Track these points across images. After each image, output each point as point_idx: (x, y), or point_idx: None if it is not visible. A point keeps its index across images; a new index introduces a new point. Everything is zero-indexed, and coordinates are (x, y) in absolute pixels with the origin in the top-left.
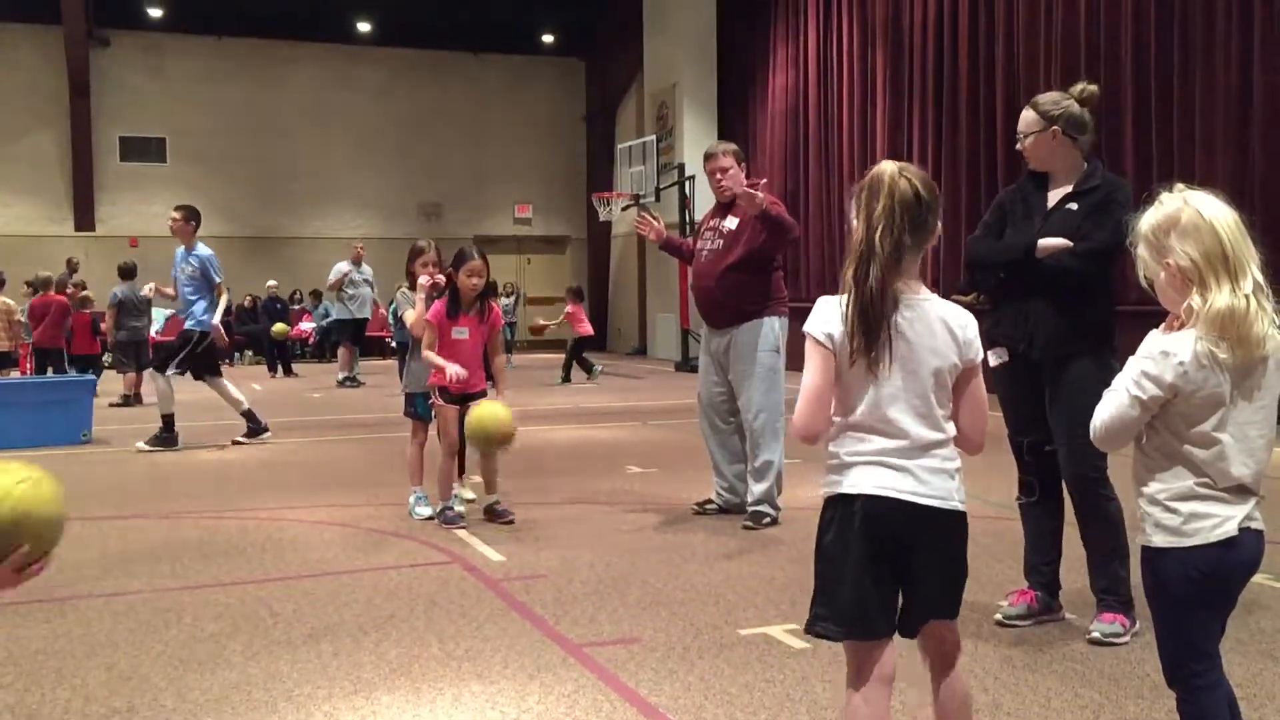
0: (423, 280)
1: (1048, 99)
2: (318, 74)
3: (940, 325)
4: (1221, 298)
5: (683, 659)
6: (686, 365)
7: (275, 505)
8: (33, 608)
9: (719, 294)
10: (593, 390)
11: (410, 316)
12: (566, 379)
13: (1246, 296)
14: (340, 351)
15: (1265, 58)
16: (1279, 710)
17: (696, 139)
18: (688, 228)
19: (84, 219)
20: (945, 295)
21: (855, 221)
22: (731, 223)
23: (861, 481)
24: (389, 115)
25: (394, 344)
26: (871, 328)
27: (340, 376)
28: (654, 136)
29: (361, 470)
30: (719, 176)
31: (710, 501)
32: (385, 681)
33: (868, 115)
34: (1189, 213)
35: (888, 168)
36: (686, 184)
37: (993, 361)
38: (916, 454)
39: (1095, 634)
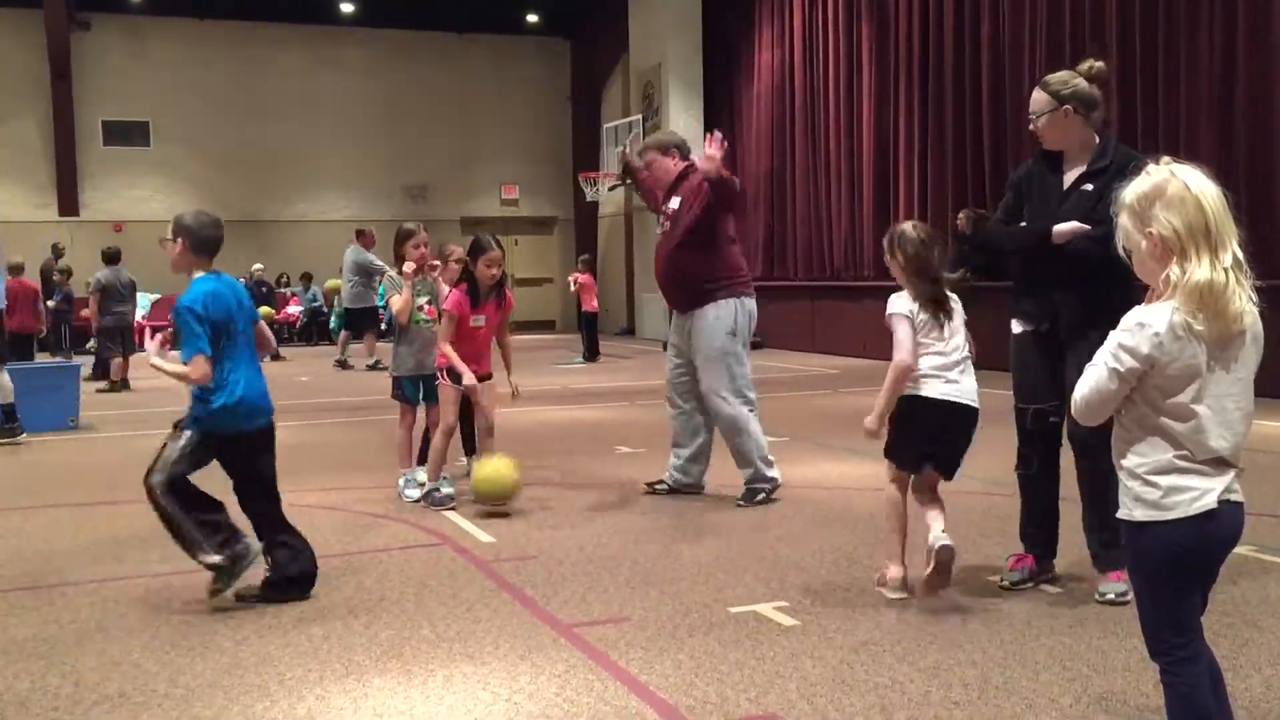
0: (408, 267)
1: (1057, 79)
2: (301, 56)
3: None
4: (1201, 270)
5: (673, 637)
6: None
7: None
8: (22, 595)
9: (672, 274)
10: (582, 371)
11: (397, 302)
12: (594, 356)
13: (1226, 270)
14: (367, 338)
15: (1249, 34)
16: (1265, 681)
17: (683, 118)
18: None
19: (68, 204)
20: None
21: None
22: (674, 203)
23: (930, 390)
24: (373, 97)
25: (384, 326)
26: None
27: (373, 360)
28: (640, 116)
29: (351, 454)
30: (643, 177)
31: (661, 482)
32: (376, 664)
33: (853, 93)
34: (1176, 184)
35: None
36: None
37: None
38: (959, 367)
39: (1109, 595)
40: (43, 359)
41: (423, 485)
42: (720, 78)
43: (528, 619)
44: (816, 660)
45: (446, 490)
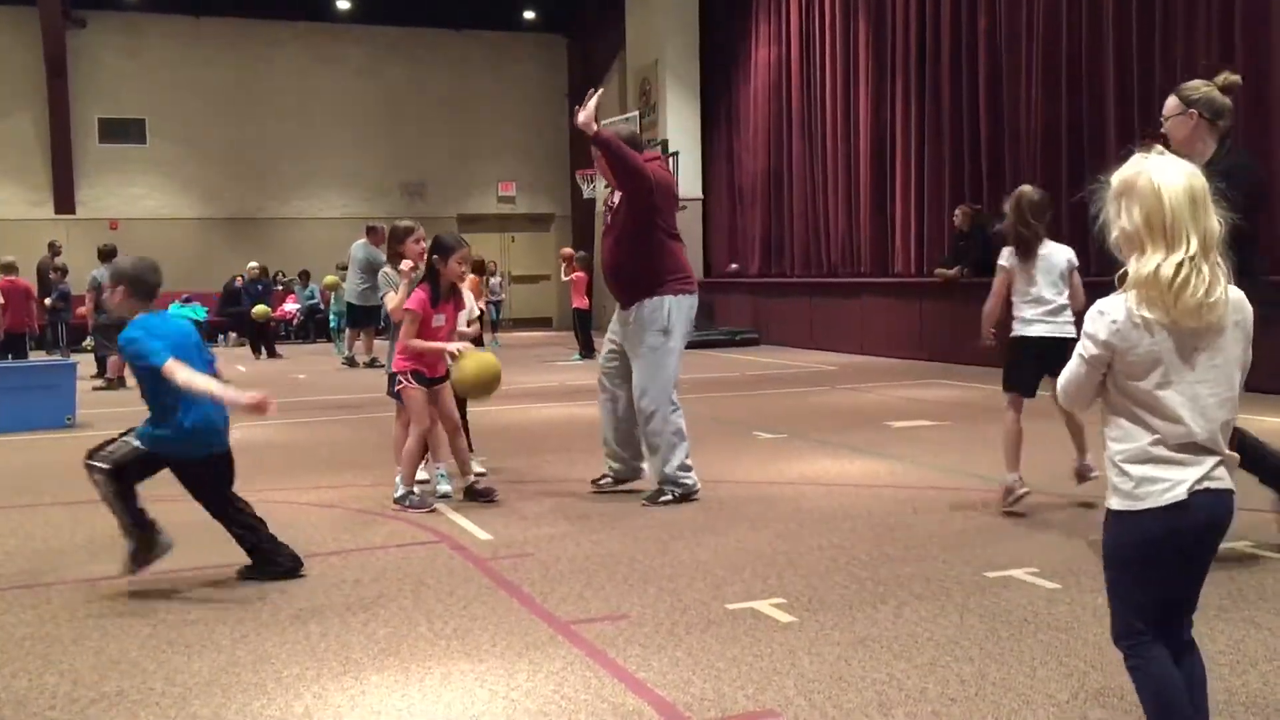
0: (405, 265)
1: (1189, 85)
2: (298, 53)
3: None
4: (1149, 263)
5: (670, 634)
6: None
7: (262, 487)
8: (19, 593)
9: (613, 268)
10: (578, 368)
11: (392, 300)
12: (590, 353)
13: (1179, 264)
14: (365, 335)
15: (1245, 30)
16: (1262, 675)
17: (680, 115)
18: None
19: (64, 202)
20: (929, 269)
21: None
22: (617, 196)
23: (1030, 330)
24: (371, 94)
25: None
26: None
27: (370, 358)
28: (637, 113)
29: (348, 451)
30: (595, 166)
31: (604, 476)
32: (374, 661)
33: (850, 90)
34: (1143, 178)
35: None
36: (670, 160)
37: None
38: (1055, 313)
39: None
40: (39, 357)
41: (444, 475)
42: (717, 75)
43: (525, 616)
44: (814, 657)
45: (444, 487)
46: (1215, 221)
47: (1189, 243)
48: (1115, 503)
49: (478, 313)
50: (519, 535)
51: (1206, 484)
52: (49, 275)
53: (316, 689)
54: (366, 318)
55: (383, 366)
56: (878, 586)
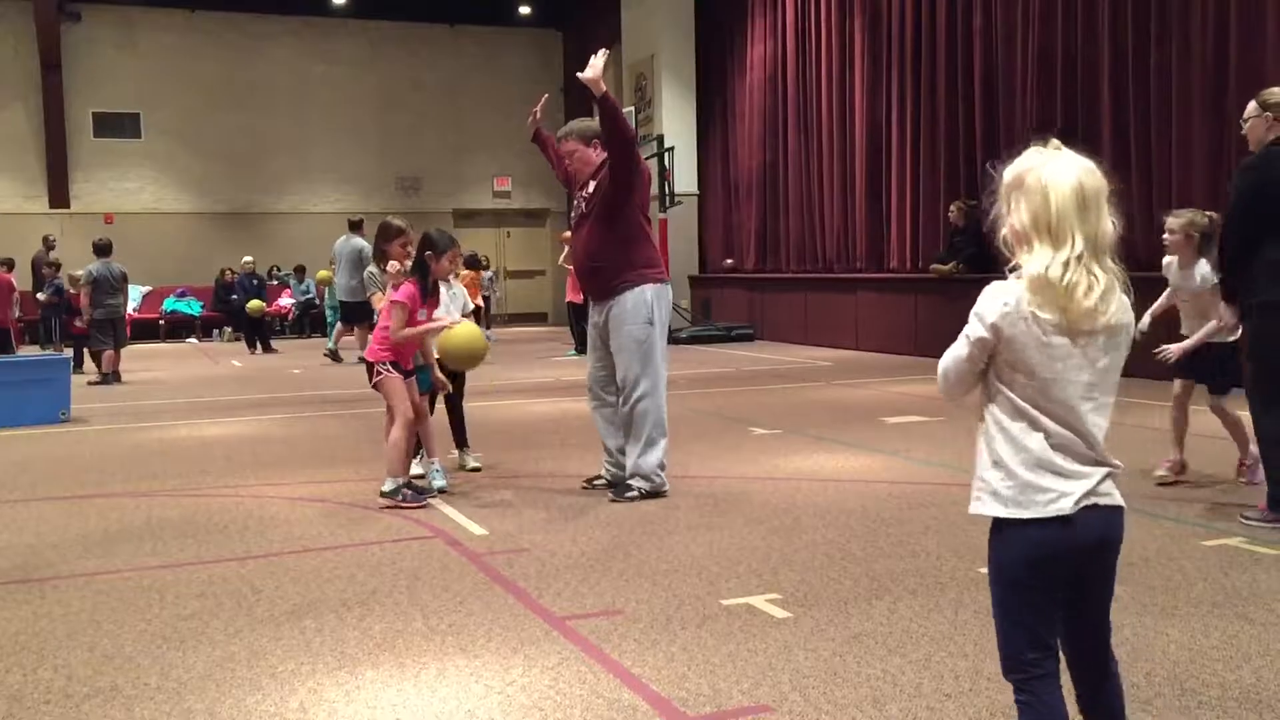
0: (393, 265)
1: (1271, 91)
2: (293, 47)
3: None
4: (1036, 262)
5: (665, 630)
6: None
7: (256, 482)
8: (13, 589)
9: (586, 261)
10: (573, 363)
11: (379, 301)
12: (584, 349)
13: (1064, 264)
14: (359, 331)
15: (1241, 20)
16: (1255, 670)
17: (676, 110)
18: (668, 200)
19: (58, 196)
20: (924, 264)
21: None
22: (589, 188)
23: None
24: (366, 88)
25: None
26: None
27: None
28: (633, 108)
29: (342, 446)
30: (567, 161)
31: (599, 476)
32: (369, 657)
33: (846, 84)
34: (1032, 175)
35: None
36: (666, 155)
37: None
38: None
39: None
40: (30, 352)
41: (439, 470)
42: (713, 70)
43: (520, 611)
44: (809, 652)
45: (439, 482)
46: (1109, 223)
47: (1073, 243)
48: (994, 508)
49: (472, 307)
50: (514, 530)
51: (1094, 499)
52: (43, 270)
53: (311, 684)
54: (361, 314)
55: (340, 361)
56: (872, 582)
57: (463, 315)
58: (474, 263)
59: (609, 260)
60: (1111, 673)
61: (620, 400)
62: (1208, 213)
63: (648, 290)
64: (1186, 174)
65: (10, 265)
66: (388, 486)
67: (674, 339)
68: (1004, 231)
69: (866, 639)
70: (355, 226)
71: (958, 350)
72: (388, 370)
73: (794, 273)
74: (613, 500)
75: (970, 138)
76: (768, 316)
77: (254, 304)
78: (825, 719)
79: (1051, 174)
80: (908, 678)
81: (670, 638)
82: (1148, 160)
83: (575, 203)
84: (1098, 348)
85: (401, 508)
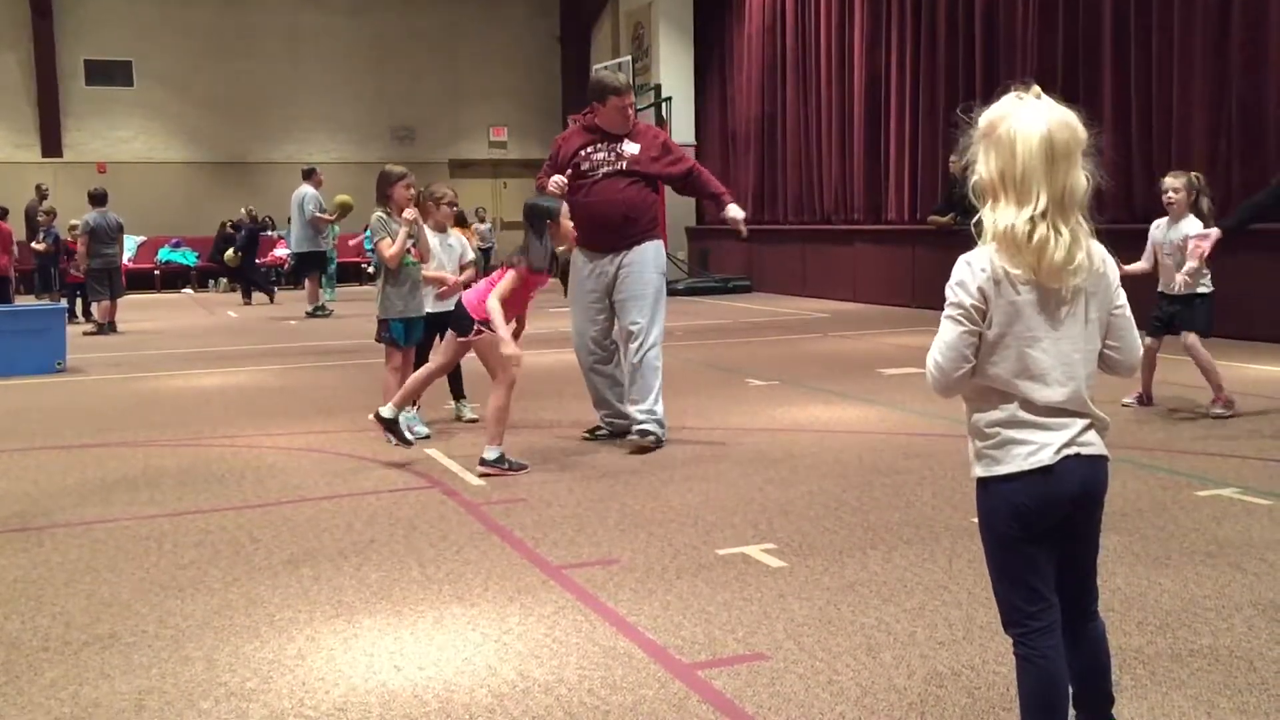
0: (408, 214)
1: None
2: None
3: None
4: (1004, 216)
5: (661, 579)
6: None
7: (254, 432)
8: (10, 537)
9: (624, 212)
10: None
11: (388, 246)
12: None
13: (1031, 219)
14: (309, 282)
15: None
16: (1246, 621)
17: (673, 59)
18: None
19: (51, 145)
20: (922, 215)
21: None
22: (634, 148)
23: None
24: (361, 37)
25: (370, 270)
26: None
27: (310, 308)
28: (630, 57)
29: (339, 397)
30: (630, 111)
31: (599, 428)
32: (366, 605)
33: (845, 34)
34: (1003, 125)
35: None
36: (664, 105)
37: None
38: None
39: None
40: (27, 301)
41: (415, 417)
42: (711, 18)
43: (517, 561)
44: (803, 601)
45: (421, 429)
46: (1081, 177)
47: (1038, 199)
48: (979, 469)
49: (471, 256)
50: (510, 481)
51: (1076, 449)
52: (37, 219)
53: (309, 632)
54: (314, 264)
55: (325, 315)
56: (867, 532)
57: (461, 266)
58: (463, 220)
59: (645, 211)
60: (1093, 613)
61: (629, 350)
62: (1193, 173)
63: (660, 244)
64: (1187, 111)
65: (4, 214)
66: (490, 455)
67: (672, 291)
68: (974, 180)
69: (861, 588)
70: (307, 175)
71: (945, 335)
72: (487, 329)
73: (791, 224)
74: (635, 450)
75: (970, 90)
76: (765, 268)
77: (228, 255)
78: (820, 666)
79: (1022, 125)
80: (902, 626)
81: (666, 586)
82: (1148, 107)
83: (597, 155)
84: (1077, 302)
85: (507, 472)
